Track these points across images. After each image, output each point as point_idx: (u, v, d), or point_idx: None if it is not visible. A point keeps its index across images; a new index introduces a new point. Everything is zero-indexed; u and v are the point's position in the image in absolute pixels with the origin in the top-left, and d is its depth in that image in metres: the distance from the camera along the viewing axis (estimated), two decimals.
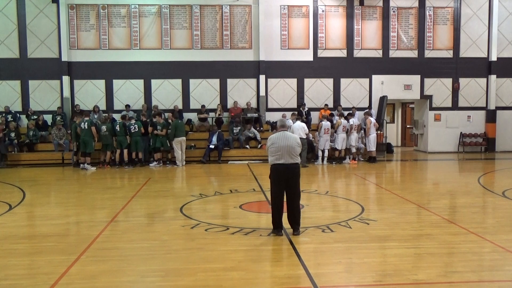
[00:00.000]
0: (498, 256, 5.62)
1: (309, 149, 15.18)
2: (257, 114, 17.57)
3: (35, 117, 16.85)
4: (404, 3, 18.55)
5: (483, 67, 18.86)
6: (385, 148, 17.67)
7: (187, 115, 17.71)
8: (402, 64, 18.55)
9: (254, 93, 18.22)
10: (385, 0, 18.45)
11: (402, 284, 4.71)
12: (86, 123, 14.40)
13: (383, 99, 18.23)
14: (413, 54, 18.68)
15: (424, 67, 18.65)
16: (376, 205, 8.99)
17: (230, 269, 5.16)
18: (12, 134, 15.84)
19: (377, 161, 15.50)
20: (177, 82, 18.01)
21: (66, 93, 17.53)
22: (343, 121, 15.48)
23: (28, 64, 17.42)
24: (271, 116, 18.02)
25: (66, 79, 17.49)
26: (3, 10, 17.31)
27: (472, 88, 18.95)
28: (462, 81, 18.89)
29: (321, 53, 18.34)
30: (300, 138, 13.05)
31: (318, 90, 18.41)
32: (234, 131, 16.61)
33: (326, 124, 15.31)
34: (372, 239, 6.33)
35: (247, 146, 16.58)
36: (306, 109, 17.76)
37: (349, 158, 15.63)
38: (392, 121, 22.02)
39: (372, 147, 15.51)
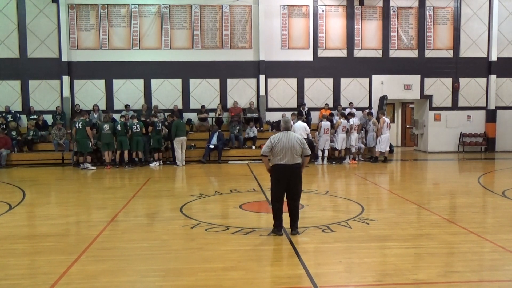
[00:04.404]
0: (498, 256, 5.62)
1: (310, 149, 15.15)
2: (257, 114, 17.58)
3: (35, 117, 16.85)
4: (404, 3, 18.54)
5: (483, 67, 18.86)
6: None
7: (187, 115, 17.71)
8: (402, 64, 18.55)
9: (254, 93, 18.21)
10: (385, 0, 18.45)
11: (402, 284, 4.71)
12: (81, 123, 14.40)
13: (383, 99, 18.24)
14: (413, 54, 18.68)
15: (424, 67, 18.65)
16: (376, 205, 8.98)
17: (230, 269, 5.16)
18: (13, 133, 15.90)
19: (378, 160, 15.46)
20: (177, 82, 18.01)
21: (66, 93, 17.53)
22: (343, 121, 15.47)
23: (28, 64, 17.42)
24: (271, 116, 18.03)
25: (66, 79, 17.48)
26: (3, 10, 17.30)
27: (472, 88, 18.95)
28: (462, 81, 18.88)
29: (321, 53, 18.34)
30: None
31: (318, 90, 18.41)
32: (236, 130, 16.61)
33: (326, 124, 15.30)
34: (372, 239, 6.33)
35: (247, 145, 16.58)
36: (306, 109, 17.76)
37: (349, 158, 15.62)
38: (392, 121, 21.95)
39: (385, 147, 15.36)
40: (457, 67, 18.76)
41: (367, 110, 16.99)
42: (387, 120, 15.65)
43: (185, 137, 15.11)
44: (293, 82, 18.35)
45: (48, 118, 17.14)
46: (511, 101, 19.20)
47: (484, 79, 18.94)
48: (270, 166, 6.55)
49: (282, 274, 5.05)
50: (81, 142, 14.38)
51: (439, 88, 18.85)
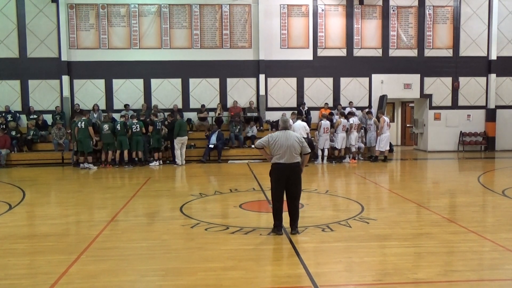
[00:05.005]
0: (498, 255, 5.62)
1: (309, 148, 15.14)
2: (256, 114, 17.59)
3: (35, 116, 16.85)
4: (403, 2, 18.53)
5: (483, 66, 18.85)
6: None
7: (187, 115, 17.70)
8: (402, 63, 18.54)
9: (254, 92, 18.21)
10: None
11: (402, 283, 4.71)
12: (83, 123, 14.41)
13: (383, 98, 18.24)
14: (413, 53, 18.67)
15: (424, 66, 18.65)
16: (376, 204, 8.99)
17: (230, 269, 5.16)
18: (13, 133, 15.92)
19: (378, 160, 15.46)
20: (177, 82, 18.01)
21: (66, 92, 17.53)
22: (343, 120, 15.47)
23: (28, 63, 17.41)
24: (271, 116, 18.02)
25: (65, 78, 17.48)
26: (2, 9, 17.29)
27: (472, 87, 18.95)
28: (462, 80, 18.88)
29: (321, 52, 18.34)
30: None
31: (318, 89, 18.41)
32: (236, 130, 16.62)
33: (325, 123, 15.30)
34: (372, 238, 6.33)
35: (247, 145, 16.58)
36: (306, 108, 17.76)
37: (349, 158, 15.62)
38: (392, 120, 21.97)
39: (385, 146, 15.36)
40: (457, 66, 18.75)
41: (367, 110, 16.98)
42: (387, 119, 15.66)
43: (186, 137, 15.13)
44: (293, 81, 18.35)
45: (48, 118, 17.14)
46: (511, 100, 19.21)
47: (484, 78, 18.93)
48: (271, 159, 6.55)
49: (282, 273, 5.05)
50: (84, 141, 14.38)
51: (439, 87, 18.85)
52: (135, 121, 14.95)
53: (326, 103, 18.12)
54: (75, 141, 14.84)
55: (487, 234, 6.40)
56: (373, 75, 18.56)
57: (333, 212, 8.23)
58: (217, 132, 15.94)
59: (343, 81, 18.52)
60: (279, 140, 6.40)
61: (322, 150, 15.36)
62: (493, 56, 18.69)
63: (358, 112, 17.39)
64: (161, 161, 15.35)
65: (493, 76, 18.78)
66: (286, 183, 6.40)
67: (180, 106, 17.80)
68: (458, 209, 8.52)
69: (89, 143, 14.53)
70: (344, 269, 5.15)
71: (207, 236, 6.52)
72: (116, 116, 16.71)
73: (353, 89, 18.54)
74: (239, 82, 18.17)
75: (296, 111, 16.39)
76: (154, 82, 17.94)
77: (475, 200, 9.12)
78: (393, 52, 18.60)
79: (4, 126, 16.12)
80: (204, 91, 18.05)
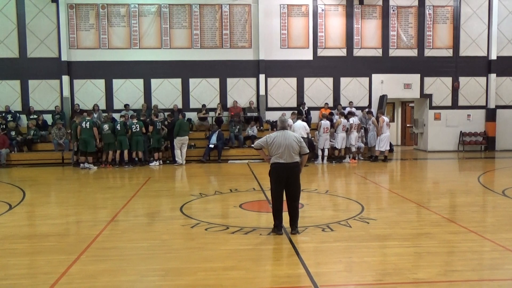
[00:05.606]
0: (498, 255, 5.62)
1: (309, 149, 15.14)
2: (256, 114, 17.59)
3: (35, 116, 16.86)
4: (403, 2, 18.53)
5: (483, 66, 18.85)
6: None
7: (187, 115, 17.65)
8: (402, 63, 18.55)
9: (254, 92, 18.21)
10: None
11: (402, 283, 4.71)
12: (88, 123, 14.42)
13: (383, 98, 18.24)
14: (413, 53, 18.67)
15: (424, 66, 18.65)
16: (376, 204, 8.98)
17: (230, 269, 5.16)
18: (13, 133, 15.92)
19: (378, 160, 15.46)
20: (177, 82, 18.01)
21: (66, 92, 17.53)
22: (343, 120, 15.47)
23: (28, 63, 17.42)
24: (271, 115, 18.02)
25: (65, 78, 17.48)
26: (2, 9, 17.29)
27: (472, 87, 18.95)
28: (462, 80, 18.88)
29: (321, 52, 18.34)
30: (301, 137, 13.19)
31: (318, 89, 18.41)
32: (236, 130, 16.62)
33: (325, 123, 15.30)
34: (372, 238, 6.33)
35: (247, 145, 16.58)
36: (306, 108, 17.77)
37: (349, 157, 15.62)
38: (392, 120, 21.99)
39: (385, 146, 15.35)
40: (457, 66, 18.76)
41: (367, 109, 16.99)
42: (386, 119, 15.65)
43: (187, 137, 15.13)
44: (293, 81, 18.35)
45: (48, 118, 17.15)
46: (511, 100, 19.21)
47: (484, 78, 18.93)
48: (268, 160, 6.57)
49: (282, 273, 5.05)
50: (88, 141, 14.38)
51: (439, 87, 18.85)
52: (135, 121, 14.95)
53: (326, 103, 18.13)
54: (75, 141, 14.85)
55: (487, 234, 6.40)
56: (373, 75, 18.56)
57: (333, 212, 8.23)
58: (217, 132, 15.94)
59: (343, 81, 18.52)
60: (277, 139, 6.40)
61: (322, 150, 15.36)
62: (493, 56, 18.70)
63: (358, 112, 17.41)
64: (161, 161, 15.35)
65: (493, 76, 18.78)
66: (285, 183, 6.40)
67: (180, 106, 17.80)
68: (458, 209, 8.52)
69: (93, 143, 14.55)
70: (344, 269, 5.14)
71: (207, 236, 6.52)
72: (116, 116, 16.71)
73: (353, 89, 18.55)
74: (239, 82, 18.17)
75: (296, 111, 16.38)
76: (154, 82, 17.94)
77: (475, 200, 9.12)
78: (393, 52, 18.60)
79: (4, 126, 16.12)
80: (204, 91, 18.05)
